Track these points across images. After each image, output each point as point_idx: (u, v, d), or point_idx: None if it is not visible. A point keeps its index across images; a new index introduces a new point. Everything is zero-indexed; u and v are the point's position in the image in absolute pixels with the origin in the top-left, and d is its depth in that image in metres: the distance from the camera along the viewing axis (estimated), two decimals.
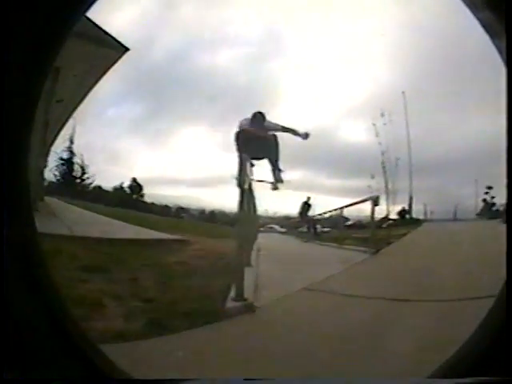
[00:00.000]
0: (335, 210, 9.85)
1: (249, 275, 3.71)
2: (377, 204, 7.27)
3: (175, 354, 2.26)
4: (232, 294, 3.12)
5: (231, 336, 2.54)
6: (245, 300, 3.00)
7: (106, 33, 7.17)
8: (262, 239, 10.86)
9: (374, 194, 7.89)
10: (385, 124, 12.66)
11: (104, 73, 8.31)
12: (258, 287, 3.54)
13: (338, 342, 2.22)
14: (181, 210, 15.16)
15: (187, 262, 4.93)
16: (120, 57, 7.75)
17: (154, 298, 3.30)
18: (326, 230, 12.03)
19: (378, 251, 6.44)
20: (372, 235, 7.14)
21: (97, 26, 6.91)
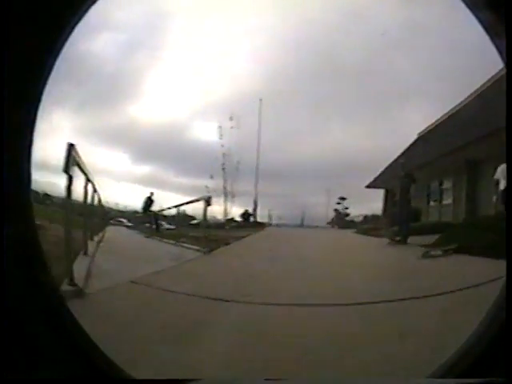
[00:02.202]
0: (173, 207, 10.09)
1: (84, 264, 4.10)
2: (209, 204, 7.43)
3: None
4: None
5: None
6: (75, 285, 3.21)
7: None
8: (108, 232, 11.04)
9: (211, 194, 8.29)
10: (232, 127, 12.68)
11: None
12: (90, 276, 3.77)
13: (148, 333, 2.33)
14: (46, 197, 15.05)
15: None
16: None
17: None
18: (170, 227, 12.05)
19: (211, 251, 6.63)
20: (205, 235, 7.37)
21: None
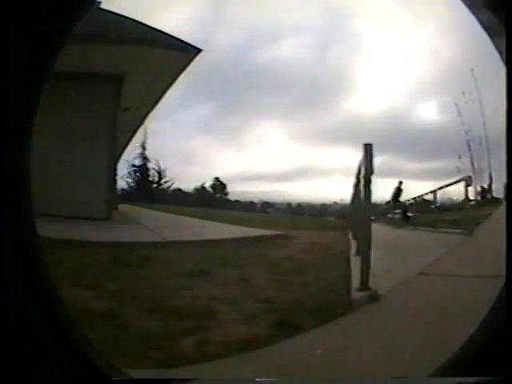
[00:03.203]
0: (430, 192, 9.56)
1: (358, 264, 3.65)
2: (469, 185, 7.26)
3: (315, 353, 2.19)
4: (354, 284, 3.12)
5: (367, 327, 2.53)
6: (369, 289, 2.99)
7: (173, 37, 7.10)
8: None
9: (464, 174, 7.87)
10: (466, 103, 12.16)
11: (177, 76, 8.07)
12: (374, 275, 3.49)
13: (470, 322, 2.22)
14: (266, 205, 14.91)
15: (294, 256, 4.87)
16: (192, 58, 7.53)
17: (272, 297, 3.17)
18: (412, 214, 11.71)
19: (471, 232, 6.36)
20: (465, 217, 7.04)
21: (160, 31, 6.90)
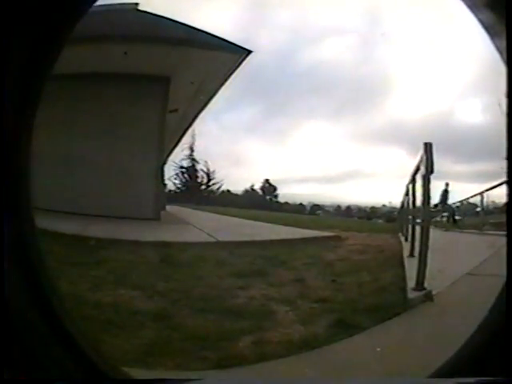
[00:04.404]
0: (477, 194, 9.34)
1: (415, 265, 3.67)
2: None
3: (374, 352, 2.22)
4: (409, 284, 3.20)
5: (425, 325, 2.58)
6: (424, 289, 3.05)
7: (222, 38, 7.03)
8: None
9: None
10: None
11: (226, 78, 7.98)
12: (426, 276, 3.50)
13: None
14: (315, 207, 14.85)
15: (348, 257, 4.92)
16: (242, 60, 7.45)
17: (329, 297, 3.19)
18: (460, 217, 11.70)
19: None
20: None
21: (208, 33, 6.78)
